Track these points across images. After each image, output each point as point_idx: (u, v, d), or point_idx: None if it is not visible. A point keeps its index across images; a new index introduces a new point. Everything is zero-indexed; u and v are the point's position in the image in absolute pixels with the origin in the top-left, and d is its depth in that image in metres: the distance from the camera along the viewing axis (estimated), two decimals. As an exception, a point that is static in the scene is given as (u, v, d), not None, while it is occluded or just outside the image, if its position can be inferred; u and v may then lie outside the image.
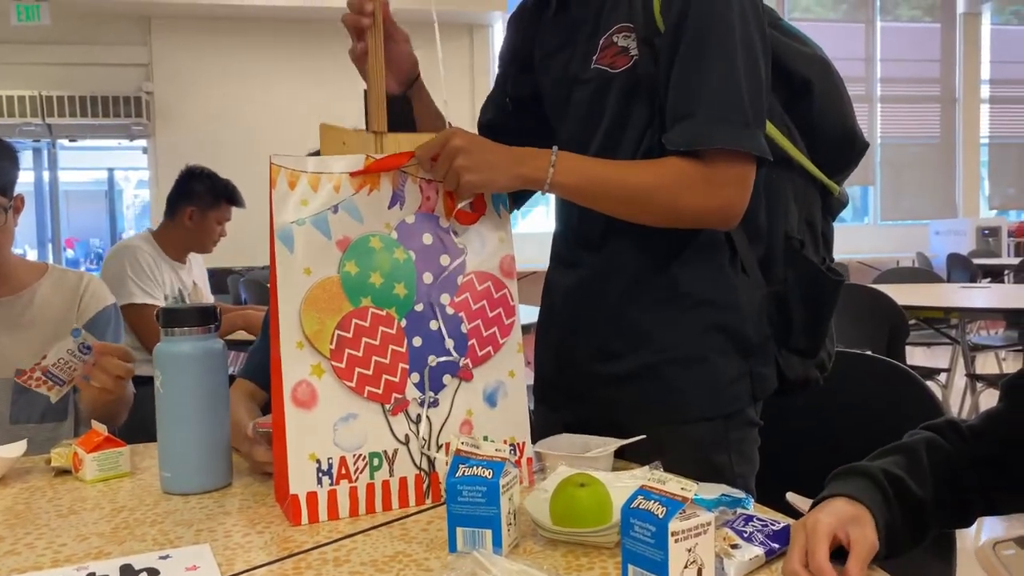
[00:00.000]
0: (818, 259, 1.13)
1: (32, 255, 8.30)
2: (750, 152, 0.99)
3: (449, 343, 0.98)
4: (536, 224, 8.29)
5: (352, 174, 0.95)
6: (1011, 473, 0.86)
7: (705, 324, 1.08)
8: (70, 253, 14.41)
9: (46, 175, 7.65)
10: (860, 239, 8.05)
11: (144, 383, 1.61)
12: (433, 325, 0.97)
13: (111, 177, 10.33)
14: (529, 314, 3.12)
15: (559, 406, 1.21)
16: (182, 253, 2.89)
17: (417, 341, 0.96)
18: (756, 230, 1.09)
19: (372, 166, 0.96)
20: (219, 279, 4.95)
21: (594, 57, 1.08)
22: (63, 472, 1.11)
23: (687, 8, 0.99)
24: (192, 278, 2.96)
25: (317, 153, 1.32)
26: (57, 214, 7.78)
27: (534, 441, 1.03)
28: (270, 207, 0.91)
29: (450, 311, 0.98)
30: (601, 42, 1.07)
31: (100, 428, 1.12)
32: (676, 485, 0.68)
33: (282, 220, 0.91)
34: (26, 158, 7.43)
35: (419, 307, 0.97)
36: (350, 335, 0.92)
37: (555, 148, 1.01)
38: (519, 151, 1.01)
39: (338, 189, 0.94)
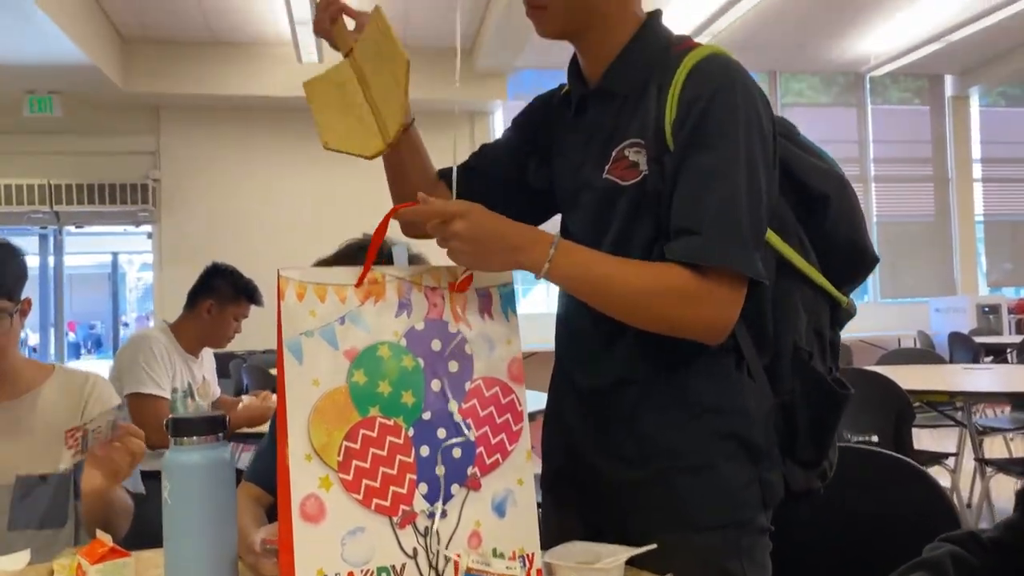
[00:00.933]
0: (825, 369, 1.14)
1: (34, 339, 8.31)
2: (746, 273, 1.01)
3: (457, 452, 0.97)
4: (536, 304, 8.31)
5: (357, 284, 0.96)
6: None
7: (715, 431, 1.08)
8: (71, 336, 14.45)
9: (51, 260, 7.72)
10: (861, 317, 7.97)
11: (147, 477, 1.60)
12: (441, 433, 0.97)
13: (115, 261, 10.42)
14: (531, 398, 3.10)
15: (569, 500, 1.20)
16: (196, 347, 2.92)
17: (425, 450, 0.96)
18: (764, 338, 1.11)
19: (380, 289, 0.97)
20: (221, 364, 4.92)
21: (606, 167, 1.11)
22: (65, 584, 1.09)
23: (696, 130, 1.02)
24: (203, 372, 2.97)
25: (328, 261, 1.35)
26: (60, 298, 7.82)
27: (543, 539, 1.02)
28: (278, 318, 0.92)
29: (458, 418, 0.98)
30: (613, 154, 1.11)
31: (104, 538, 1.11)
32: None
33: (291, 331, 0.92)
34: (32, 244, 7.52)
35: (427, 415, 0.97)
36: (358, 446, 0.92)
37: (556, 238, 1.02)
38: (518, 237, 1.01)
39: (344, 300, 0.95)
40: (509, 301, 1.06)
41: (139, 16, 6.29)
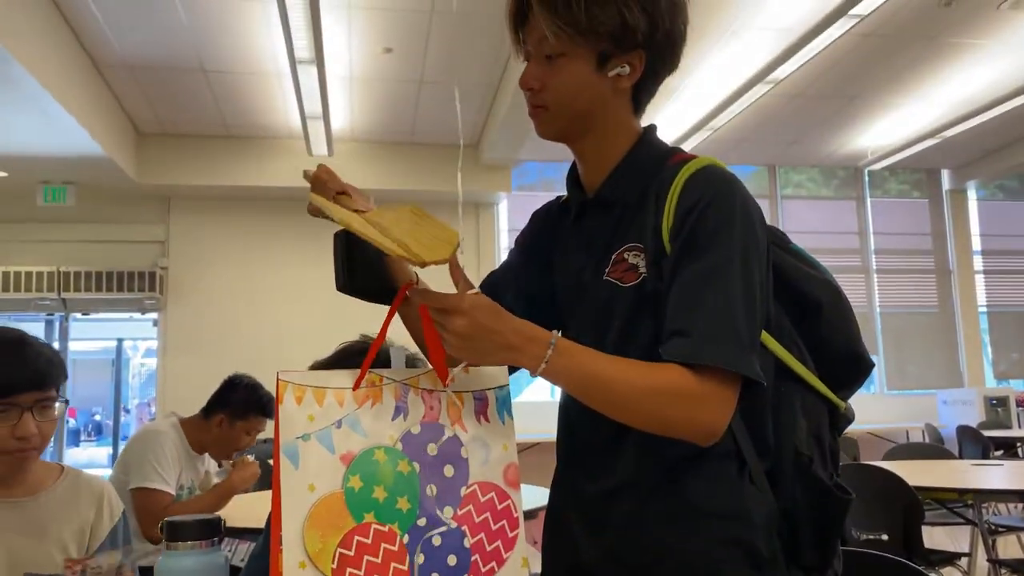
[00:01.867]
0: (826, 475, 1.13)
1: (34, 426, 8.24)
2: (740, 373, 1.02)
3: (452, 559, 0.96)
4: (541, 393, 8.27)
5: (354, 388, 0.97)
6: None
7: (718, 538, 1.07)
8: (71, 423, 14.34)
9: (56, 346, 7.74)
10: (868, 409, 7.99)
11: (146, 573, 1.59)
12: (436, 540, 0.96)
13: (119, 347, 10.43)
14: (529, 493, 3.06)
15: None
16: (199, 448, 2.92)
17: (420, 558, 0.95)
18: (764, 443, 1.11)
19: (377, 392, 0.98)
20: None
21: (606, 270, 1.14)
22: None
23: (692, 235, 1.06)
24: (205, 467, 2.97)
25: (324, 364, 1.36)
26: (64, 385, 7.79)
27: None
28: (276, 422, 0.93)
29: (453, 524, 0.98)
30: (613, 257, 1.14)
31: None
32: None
33: (288, 436, 0.93)
34: (38, 330, 7.55)
35: (422, 521, 0.96)
36: (352, 553, 0.91)
37: (554, 338, 1.02)
38: (515, 336, 1.01)
39: (342, 404, 0.96)
40: (505, 404, 1.06)
41: (156, 111, 6.49)
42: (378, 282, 1.20)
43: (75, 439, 14.63)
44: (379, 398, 0.99)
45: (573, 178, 1.26)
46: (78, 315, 7.66)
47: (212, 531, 1.01)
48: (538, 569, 1.26)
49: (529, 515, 2.57)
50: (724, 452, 1.08)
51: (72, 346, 8.11)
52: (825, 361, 1.17)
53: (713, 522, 1.07)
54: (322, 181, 1.21)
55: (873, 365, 1.21)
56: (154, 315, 7.35)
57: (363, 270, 1.19)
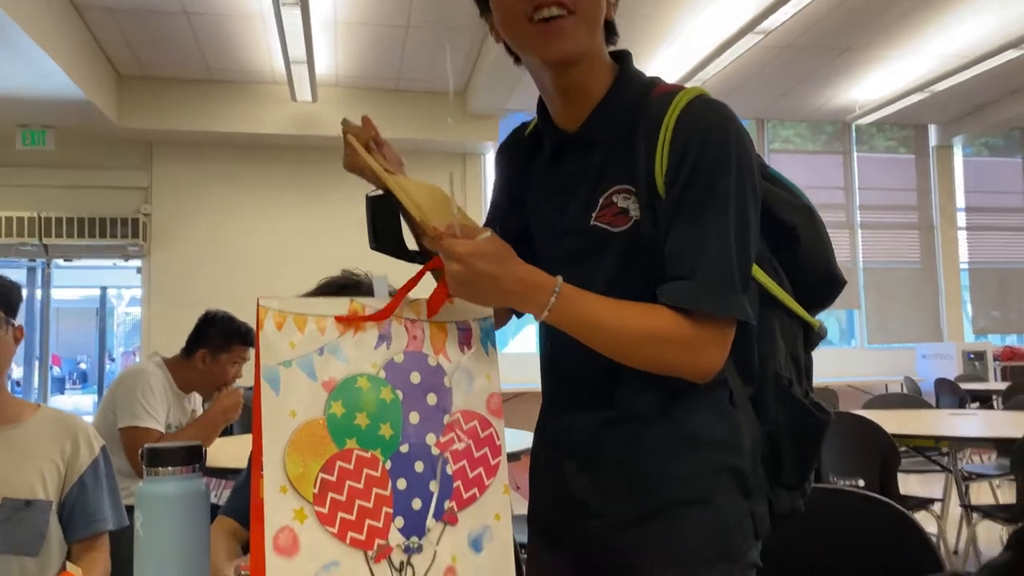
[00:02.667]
0: (801, 392, 1.16)
1: (18, 372, 8.23)
2: (735, 317, 1.04)
3: (434, 485, 0.97)
4: (525, 344, 8.31)
5: (338, 318, 0.96)
6: None
7: (713, 465, 1.09)
8: (56, 371, 14.31)
9: (39, 293, 7.68)
10: (848, 362, 8.09)
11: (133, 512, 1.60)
12: (418, 466, 0.97)
13: (103, 295, 10.37)
14: (513, 437, 3.09)
15: (557, 544, 1.19)
16: (187, 387, 2.93)
17: (402, 484, 0.95)
18: (749, 370, 1.12)
19: (361, 317, 0.98)
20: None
21: (593, 213, 1.12)
22: (32, 617, 1.08)
23: (689, 179, 1.04)
24: (192, 407, 2.98)
25: (314, 293, 1.36)
26: (47, 332, 7.77)
27: None
28: (256, 348, 0.93)
29: (435, 452, 0.98)
30: (601, 200, 1.11)
31: (75, 571, 1.09)
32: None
33: (269, 361, 0.92)
34: (19, 276, 7.48)
35: (404, 448, 0.96)
36: (334, 478, 0.92)
37: (558, 285, 1.03)
38: (517, 284, 1.02)
39: (323, 331, 0.96)
40: (489, 335, 1.06)
41: (136, 53, 6.35)
42: (403, 244, 1.19)
43: (60, 387, 14.62)
44: (362, 326, 0.98)
45: (544, 113, 1.20)
46: (60, 262, 7.58)
47: (193, 457, 1.01)
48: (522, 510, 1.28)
49: (512, 457, 2.59)
50: (717, 382, 1.09)
51: (55, 294, 8.05)
52: (801, 283, 1.18)
53: (710, 450, 1.09)
54: (361, 128, 1.22)
55: (845, 282, 1.23)
56: (138, 262, 7.29)
57: (391, 234, 1.19)
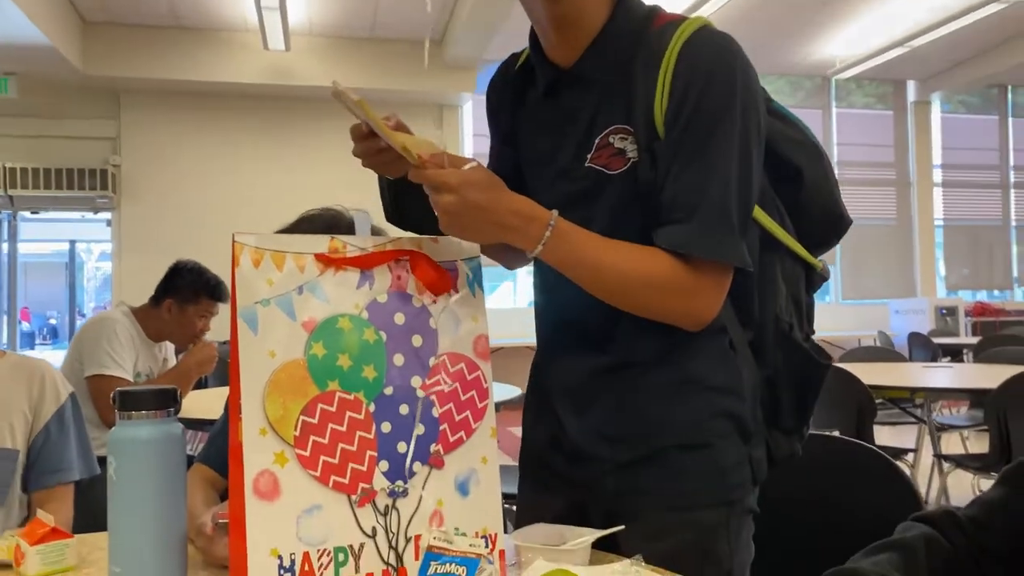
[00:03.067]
0: (803, 335, 1.14)
1: (-15, 327, 8.10)
2: (733, 264, 1.00)
3: (420, 428, 0.94)
4: (503, 300, 8.29)
5: (318, 257, 0.92)
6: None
7: (712, 409, 1.06)
8: (25, 326, 14.10)
9: (5, 246, 7.53)
10: (823, 317, 8.11)
11: (104, 463, 1.56)
12: (403, 410, 0.93)
13: (72, 249, 10.20)
14: (498, 390, 3.06)
15: (551, 487, 1.17)
16: (156, 336, 2.88)
17: (386, 427, 0.92)
18: (748, 315, 1.10)
19: (343, 259, 0.93)
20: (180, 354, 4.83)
21: (588, 155, 1.06)
22: (3, 567, 1.04)
23: (690, 118, 0.98)
24: (164, 355, 2.93)
25: (288, 230, 1.31)
26: (14, 286, 7.63)
27: (525, 521, 0.99)
28: (232, 286, 0.88)
29: (421, 394, 0.95)
30: (597, 141, 1.06)
31: (46, 518, 1.06)
32: (660, 584, 0.65)
33: (245, 300, 0.88)
34: (-15, 229, 7.31)
35: (389, 390, 0.93)
36: (315, 421, 0.88)
37: (553, 219, 0.98)
38: (511, 216, 0.97)
39: (303, 270, 0.91)
40: (476, 276, 1.02)
41: (101, -2, 6.15)
42: (431, 222, 1.08)
43: (30, 342, 14.44)
44: (343, 266, 0.94)
45: (536, 45, 1.13)
46: (27, 214, 7.41)
47: (167, 401, 0.97)
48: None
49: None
50: (716, 327, 1.06)
51: (23, 248, 7.89)
52: (804, 223, 1.14)
53: (710, 394, 1.07)
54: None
55: (851, 222, 1.19)
56: (107, 215, 7.15)
57: (415, 216, 1.13)
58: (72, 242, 10.10)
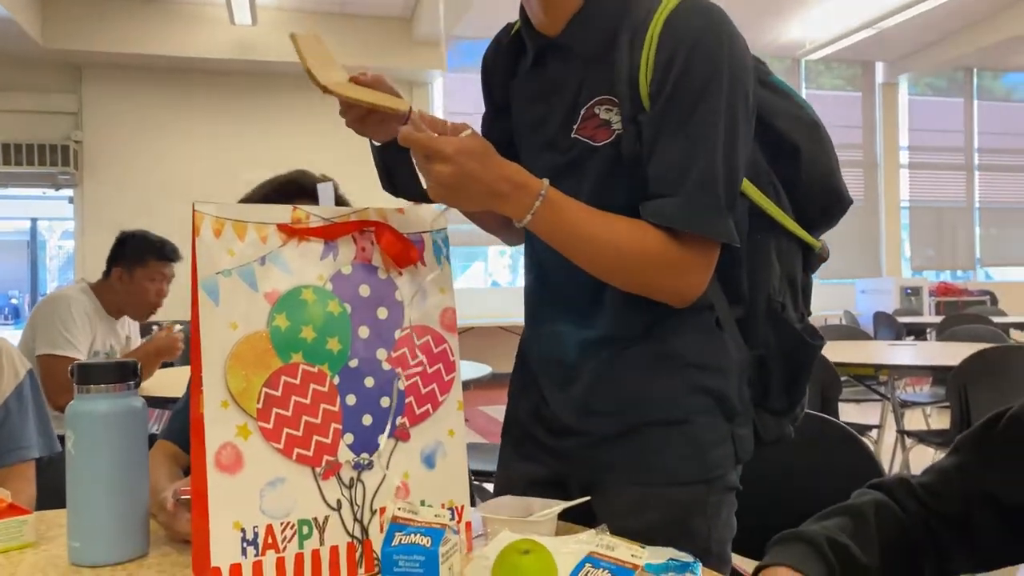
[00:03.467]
0: (797, 315, 1.13)
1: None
2: (719, 240, 0.99)
3: (385, 401, 0.93)
4: (475, 280, 8.27)
5: (280, 227, 0.90)
6: (977, 531, 0.84)
7: (693, 386, 1.05)
8: (-14, 305, 13.82)
9: (-37, 224, 7.36)
10: (790, 297, 8.26)
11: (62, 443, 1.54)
12: (368, 382, 0.92)
13: (34, 227, 10.00)
14: (471, 369, 3.06)
15: (532, 457, 1.17)
16: (115, 311, 2.82)
17: (351, 399, 0.91)
18: (737, 293, 1.08)
19: (305, 230, 0.92)
20: (145, 333, 4.77)
21: (574, 126, 1.05)
22: (-42, 544, 1.02)
23: (676, 90, 0.97)
24: (126, 332, 2.87)
25: (252, 198, 1.28)
26: (-26, 265, 7.47)
27: (504, 490, 0.99)
28: (192, 256, 0.86)
29: (387, 367, 0.94)
30: (583, 112, 1.04)
31: (3, 494, 1.03)
32: (626, 551, 0.65)
33: (206, 271, 0.86)
34: (-58, 206, 7.14)
35: (354, 363, 0.92)
36: (279, 393, 0.87)
37: (544, 189, 0.96)
38: (503, 184, 0.95)
39: (265, 240, 0.90)
40: (443, 248, 1.01)
41: (60, -32, 5.98)
42: (418, 188, 1.09)
43: (-9, 322, 14.15)
44: (306, 235, 0.92)
45: (525, 16, 1.11)
46: (-14, 191, 7.25)
47: (127, 374, 0.95)
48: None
49: (466, 385, 2.57)
50: (702, 304, 1.05)
51: (-18, 225, 7.71)
52: (802, 200, 1.12)
53: (691, 371, 1.06)
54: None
55: (851, 201, 1.17)
56: (69, 192, 7.00)
57: (403, 181, 1.13)
58: (34, 220, 9.90)
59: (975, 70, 9.60)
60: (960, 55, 8.23)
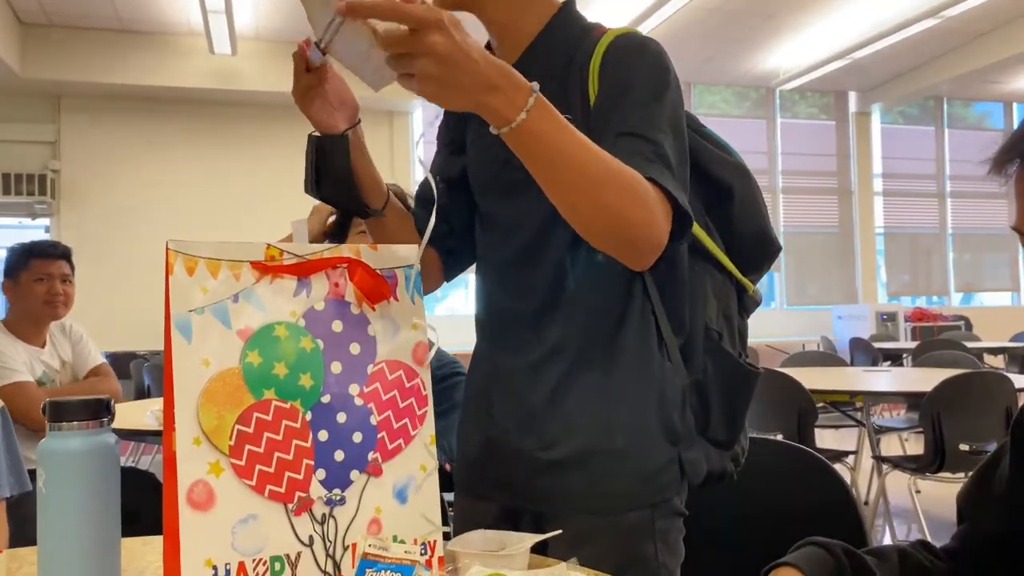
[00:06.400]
0: (735, 352, 1.15)
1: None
2: (681, 207, 0.97)
3: (357, 436, 0.94)
4: (455, 307, 8.28)
5: (253, 264, 0.92)
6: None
7: (635, 411, 1.07)
8: (-40, 336, 13.62)
9: (-62, 254, 7.28)
10: (768, 323, 8.33)
11: (33, 476, 1.52)
12: (341, 417, 0.93)
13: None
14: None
15: (485, 494, 1.18)
16: (31, 330, 2.78)
17: (323, 435, 0.92)
18: (678, 319, 1.11)
19: (279, 267, 0.93)
20: (122, 363, 4.73)
21: None
22: (-75, 584, 1.01)
23: (621, 93, 1.01)
24: (61, 357, 2.84)
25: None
26: (-53, 295, 7.36)
27: (459, 529, 0.99)
28: (166, 294, 0.87)
29: (359, 402, 0.95)
30: None
31: (-30, 533, 1.03)
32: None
33: (179, 308, 0.87)
34: (-84, 236, 7.06)
35: (326, 399, 0.93)
36: (251, 430, 0.88)
37: (535, 90, 0.87)
38: (497, 73, 0.85)
39: (238, 277, 0.91)
40: (415, 283, 1.02)
41: (41, 0, 6.00)
42: (346, 193, 1.12)
43: (-36, 353, 13.92)
44: (279, 273, 0.93)
45: (488, 46, 1.17)
46: (-39, 220, 7.18)
47: (100, 411, 0.95)
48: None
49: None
50: (646, 327, 1.08)
51: (-44, 254, 7.63)
52: (734, 244, 1.16)
53: (633, 396, 1.08)
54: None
55: (780, 248, 1.22)
56: (46, 221, 6.95)
57: (333, 180, 1.10)
58: (10, 249, 9.80)
59: (945, 99, 9.80)
60: (930, 84, 8.40)
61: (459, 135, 1.24)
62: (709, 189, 1.14)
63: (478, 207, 1.21)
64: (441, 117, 1.30)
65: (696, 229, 1.11)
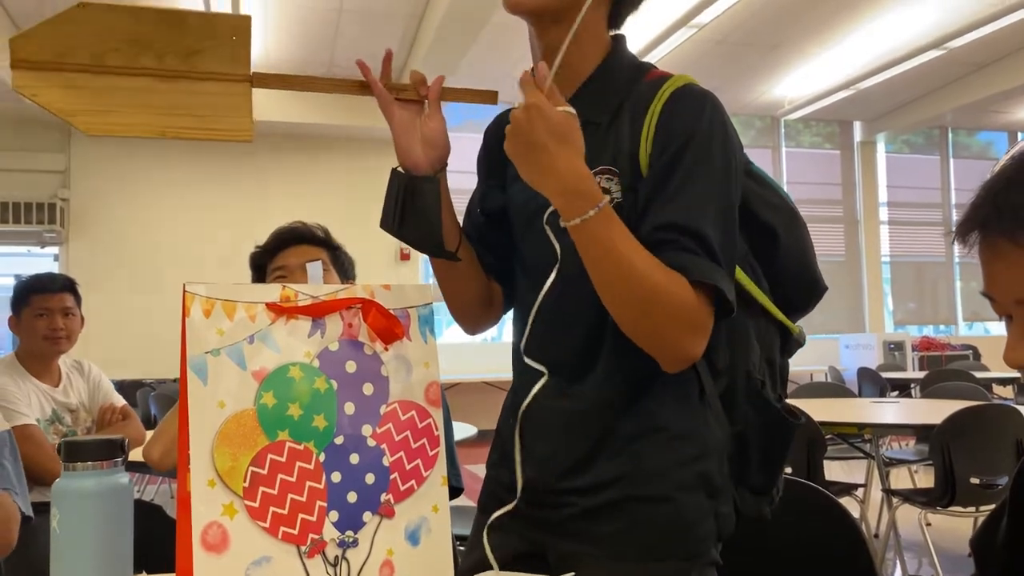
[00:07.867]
0: (775, 396, 1.14)
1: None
2: (725, 298, 0.99)
3: (370, 478, 0.94)
4: (459, 335, 8.27)
5: (269, 306, 0.92)
6: None
7: (678, 461, 1.06)
8: (-33, 362, 13.66)
9: (-53, 281, 7.32)
10: (775, 352, 8.30)
11: (38, 509, 1.51)
12: (354, 459, 0.93)
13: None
14: (456, 428, 3.04)
15: (507, 528, 1.15)
16: (39, 367, 2.77)
17: (336, 476, 0.92)
18: (719, 368, 1.09)
19: (294, 308, 0.94)
20: (128, 392, 4.74)
21: None
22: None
23: (674, 159, 1.00)
24: (77, 398, 2.81)
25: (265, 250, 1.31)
26: (-44, 322, 7.40)
27: (466, 554, 0.99)
28: (182, 336, 0.88)
29: (372, 443, 0.95)
30: None
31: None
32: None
33: (195, 350, 0.88)
34: (-74, 263, 7.12)
35: (339, 439, 0.93)
36: (265, 472, 0.88)
37: (603, 203, 0.95)
38: (572, 173, 0.96)
39: (254, 319, 0.92)
40: (427, 323, 1.03)
41: (53, 30, 6.07)
42: (428, 234, 1.11)
43: (-29, 379, 13.94)
44: (294, 314, 0.94)
45: None
46: (-29, 248, 7.23)
47: (114, 451, 0.96)
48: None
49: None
50: (686, 376, 1.06)
51: (-35, 282, 7.67)
52: (780, 286, 1.14)
53: (675, 446, 1.06)
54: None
55: (826, 289, 1.19)
56: (55, 250, 7.00)
57: (418, 221, 1.11)
58: (18, 277, 9.85)
59: (949, 129, 9.83)
60: (935, 114, 8.45)
61: (498, 168, 1.22)
62: (755, 232, 1.12)
63: (516, 249, 1.19)
64: (482, 146, 1.29)
65: (742, 276, 1.09)
